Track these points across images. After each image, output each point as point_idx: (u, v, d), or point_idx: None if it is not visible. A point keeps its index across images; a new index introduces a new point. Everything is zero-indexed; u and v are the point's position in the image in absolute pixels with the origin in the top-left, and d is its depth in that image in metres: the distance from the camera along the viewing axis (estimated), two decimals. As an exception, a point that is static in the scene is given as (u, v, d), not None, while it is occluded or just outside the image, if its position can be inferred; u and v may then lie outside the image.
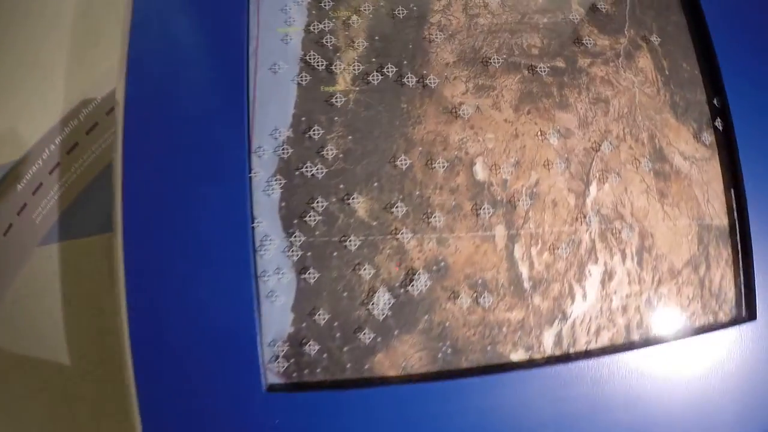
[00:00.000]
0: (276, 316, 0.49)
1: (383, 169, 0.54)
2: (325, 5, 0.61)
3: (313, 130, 0.55)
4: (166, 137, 0.51)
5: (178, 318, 0.45)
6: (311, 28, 0.61)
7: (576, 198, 0.58)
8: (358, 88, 0.59)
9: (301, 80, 0.56)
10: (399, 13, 0.62)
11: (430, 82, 0.60)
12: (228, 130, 0.53)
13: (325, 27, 0.56)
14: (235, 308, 0.48)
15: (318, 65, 0.56)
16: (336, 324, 0.49)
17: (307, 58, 0.56)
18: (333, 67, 0.56)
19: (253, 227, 0.55)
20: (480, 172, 0.58)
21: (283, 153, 0.57)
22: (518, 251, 0.56)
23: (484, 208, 0.52)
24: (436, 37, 0.61)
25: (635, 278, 0.53)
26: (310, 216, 0.51)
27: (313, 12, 0.61)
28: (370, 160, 0.58)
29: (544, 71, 0.61)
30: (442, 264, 0.56)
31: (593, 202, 0.57)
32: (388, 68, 0.60)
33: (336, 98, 0.55)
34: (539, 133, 0.59)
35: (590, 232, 0.56)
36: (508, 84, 0.60)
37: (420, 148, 0.58)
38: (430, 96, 0.59)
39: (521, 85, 0.60)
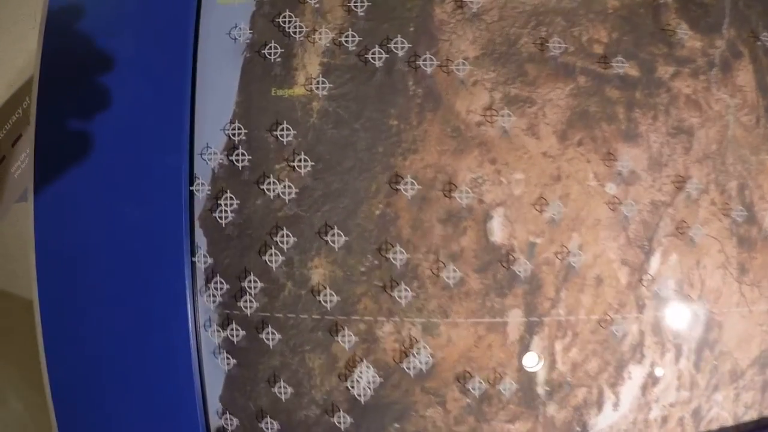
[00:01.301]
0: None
1: (354, 217, 0.40)
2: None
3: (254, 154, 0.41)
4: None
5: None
6: None
7: (630, 273, 0.40)
8: (326, 92, 0.40)
9: (244, 75, 0.41)
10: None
11: (438, 86, 0.39)
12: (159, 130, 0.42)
13: None
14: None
15: (269, 53, 0.42)
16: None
17: (256, 40, 0.42)
18: (291, 59, 0.41)
19: (192, 260, 0.38)
20: (497, 230, 0.39)
21: (201, 188, 0.39)
22: (537, 345, 0.39)
23: (496, 284, 0.39)
24: (453, 14, 0.40)
25: (687, 382, 0.40)
26: (246, 285, 0.40)
27: None
28: (335, 204, 0.39)
29: (610, 80, 0.40)
30: (427, 360, 0.38)
31: (653, 280, 0.40)
32: (374, 55, 0.40)
33: (294, 106, 0.41)
34: (592, 175, 0.39)
35: (641, 322, 0.40)
36: (554, 97, 0.40)
37: (411, 190, 0.39)
38: (434, 108, 0.40)
39: (573, 99, 0.40)
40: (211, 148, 0.41)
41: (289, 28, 0.41)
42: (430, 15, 0.41)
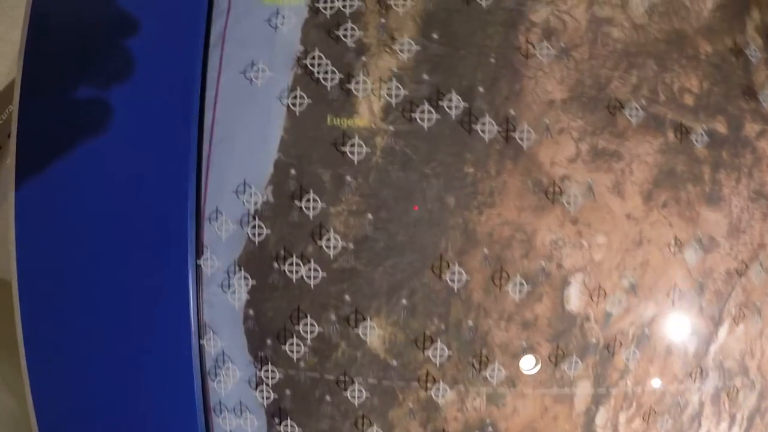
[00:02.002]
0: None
1: (419, 278, 0.35)
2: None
3: (308, 197, 0.34)
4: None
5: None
6: (319, 3, 0.34)
7: (698, 343, 0.39)
8: (392, 128, 0.34)
9: (294, 102, 0.35)
10: (478, 1, 0.35)
11: (520, 134, 0.35)
12: (162, 180, 0.36)
13: (344, 4, 0.35)
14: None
15: (326, 77, 0.35)
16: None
17: (309, 61, 0.36)
18: (352, 85, 0.36)
19: (201, 343, 0.32)
20: (574, 298, 0.36)
21: (255, 229, 0.33)
22: (601, 417, 0.37)
23: (568, 354, 0.36)
24: (539, 50, 0.35)
25: (736, 450, 0.40)
26: (292, 340, 0.35)
27: None
28: (398, 260, 0.35)
29: (700, 137, 0.37)
30: (490, 430, 0.35)
31: (719, 350, 0.39)
32: (448, 99, 0.34)
33: (352, 142, 0.35)
34: (674, 241, 0.36)
35: (702, 393, 0.39)
36: (642, 152, 0.36)
37: (485, 250, 0.34)
38: (515, 158, 0.35)
39: (661, 156, 0.37)
40: (251, 188, 0.35)
41: (350, 42, 0.35)
42: (514, 44, 0.36)
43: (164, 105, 0.35)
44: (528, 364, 0.36)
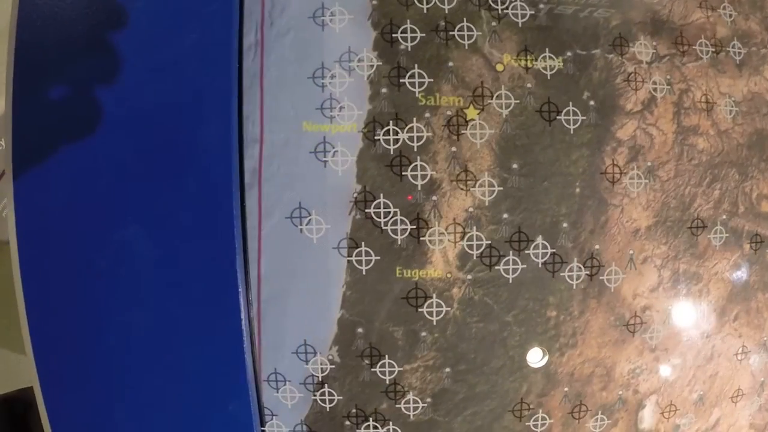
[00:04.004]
0: None
1: (502, 420, 0.34)
2: (406, 77, 0.28)
3: (379, 356, 0.32)
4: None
5: None
6: (375, 129, 0.29)
7: None
8: (470, 276, 0.31)
9: (356, 253, 0.32)
10: (560, 118, 0.31)
11: (606, 274, 0.32)
12: (211, 345, 0.32)
13: (410, 136, 0.31)
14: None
15: (394, 227, 0.32)
16: None
17: (372, 209, 0.31)
18: (422, 232, 0.31)
19: None
20: (648, 417, 0.35)
21: (324, 396, 0.30)
22: None
23: None
24: (625, 174, 0.32)
25: None
26: None
27: (382, 90, 0.29)
28: (479, 408, 0.33)
29: (774, 244, 0.35)
30: None
31: None
32: (534, 246, 0.31)
33: (427, 297, 0.32)
34: (741, 350, 0.36)
35: None
36: (720, 269, 0.35)
37: (566, 389, 0.33)
38: (599, 296, 0.33)
39: (736, 270, 0.35)
40: (310, 346, 0.31)
41: (417, 179, 0.30)
42: (599, 169, 0.32)
43: (200, 263, 0.30)
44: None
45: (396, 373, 0.31)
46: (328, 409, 0.32)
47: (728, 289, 0.36)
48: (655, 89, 0.32)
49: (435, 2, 0.31)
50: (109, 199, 0.31)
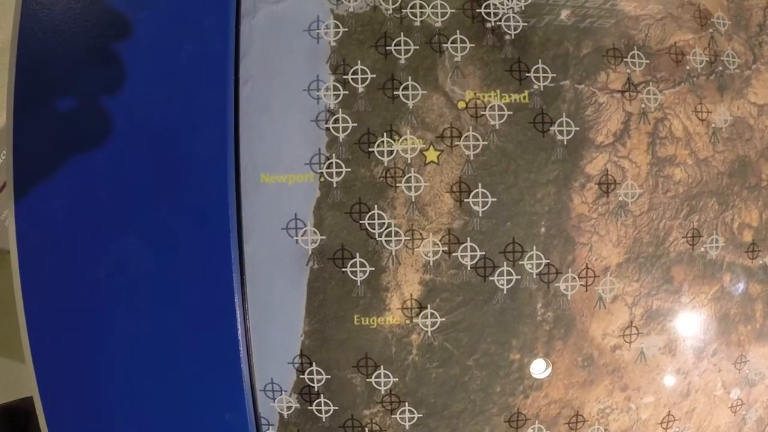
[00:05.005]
0: None
1: None
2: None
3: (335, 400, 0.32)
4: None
5: None
6: (333, 177, 0.28)
7: None
8: (429, 323, 0.30)
9: (311, 296, 0.31)
10: (537, 135, 0.29)
11: (573, 306, 0.31)
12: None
13: (360, 183, 0.31)
14: None
15: (347, 267, 0.31)
16: None
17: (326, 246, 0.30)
18: (380, 275, 0.31)
19: None
20: (619, 456, 0.34)
21: (318, 404, 0.30)
22: None
23: None
24: (596, 205, 0.30)
25: None
26: None
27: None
28: (443, 452, 0.32)
29: (754, 274, 0.34)
30: None
31: None
32: (494, 269, 0.30)
33: (386, 339, 0.31)
34: (720, 384, 0.35)
35: None
36: (698, 303, 0.33)
37: (529, 431, 0.32)
38: (565, 337, 0.31)
39: (716, 304, 0.34)
40: (277, 384, 0.30)
41: (374, 228, 0.28)
42: (566, 207, 0.30)
43: (197, 274, 0.29)
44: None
45: (349, 413, 0.30)
46: (323, 419, 0.31)
47: (707, 323, 0.34)
48: (628, 120, 0.30)
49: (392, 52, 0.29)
50: (108, 209, 0.31)
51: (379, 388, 0.30)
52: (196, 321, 0.30)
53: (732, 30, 0.31)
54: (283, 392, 0.30)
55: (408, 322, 0.30)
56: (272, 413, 0.31)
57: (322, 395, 0.30)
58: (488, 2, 0.29)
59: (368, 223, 0.28)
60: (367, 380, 0.30)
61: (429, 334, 0.30)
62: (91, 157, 0.30)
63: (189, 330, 0.30)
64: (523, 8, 0.29)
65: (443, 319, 0.30)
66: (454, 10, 0.29)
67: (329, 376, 0.30)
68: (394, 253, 0.29)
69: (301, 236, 0.29)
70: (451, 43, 0.29)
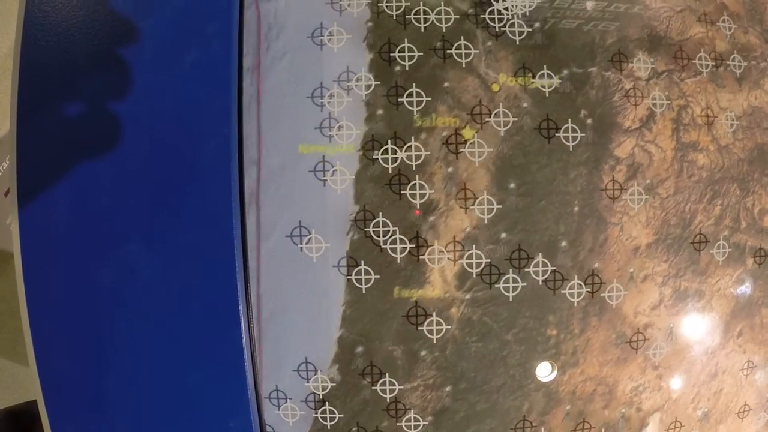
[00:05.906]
0: None
1: None
2: (404, 96, 0.28)
3: (379, 374, 0.32)
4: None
5: None
6: (374, 151, 0.29)
7: None
8: (468, 296, 0.31)
9: (356, 275, 0.32)
10: (558, 136, 0.31)
11: (608, 292, 0.32)
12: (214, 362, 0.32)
13: (408, 155, 0.32)
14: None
15: (393, 246, 0.31)
16: None
17: (371, 228, 0.31)
18: (422, 252, 0.32)
19: None
20: (651, 435, 0.35)
21: (325, 413, 0.30)
22: None
23: None
24: (625, 191, 0.32)
25: None
26: None
27: (378, 112, 0.29)
28: (480, 426, 0.33)
29: (777, 258, 0.35)
30: None
31: None
32: (534, 264, 0.31)
33: (425, 316, 0.32)
34: (746, 365, 0.36)
35: None
36: (722, 285, 0.34)
37: (567, 407, 0.33)
38: (600, 313, 0.33)
39: (740, 286, 0.35)
40: (311, 364, 0.31)
41: (415, 198, 0.30)
42: (598, 187, 0.32)
43: (201, 281, 0.30)
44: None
45: (397, 391, 0.32)
46: (329, 427, 0.32)
47: (732, 305, 0.35)
48: (653, 106, 0.32)
49: (433, 21, 0.31)
50: (111, 216, 0.31)
51: (418, 361, 0.31)
52: (200, 328, 0.31)
53: (748, 24, 0.34)
54: (289, 400, 0.32)
55: (447, 295, 0.31)
56: (277, 421, 0.32)
57: (327, 403, 0.31)
58: None
59: (410, 194, 0.30)
60: (408, 354, 0.31)
61: (468, 307, 0.31)
62: (94, 164, 0.31)
63: (193, 336, 0.31)
64: None
65: (482, 294, 0.31)
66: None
67: (335, 384, 0.31)
68: (433, 226, 0.30)
69: (306, 244, 0.31)
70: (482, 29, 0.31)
